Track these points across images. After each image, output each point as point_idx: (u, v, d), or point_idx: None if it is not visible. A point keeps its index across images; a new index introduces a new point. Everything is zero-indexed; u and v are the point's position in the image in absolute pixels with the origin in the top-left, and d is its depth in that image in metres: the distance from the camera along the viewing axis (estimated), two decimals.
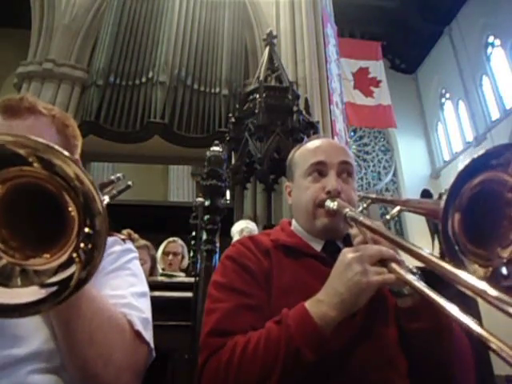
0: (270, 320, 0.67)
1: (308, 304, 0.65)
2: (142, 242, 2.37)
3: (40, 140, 0.44)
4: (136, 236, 2.35)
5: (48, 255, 0.48)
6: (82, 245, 0.47)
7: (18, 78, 5.31)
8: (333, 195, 0.81)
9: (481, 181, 0.53)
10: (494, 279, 0.54)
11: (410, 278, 0.55)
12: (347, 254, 0.65)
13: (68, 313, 0.56)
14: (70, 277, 0.47)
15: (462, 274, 0.42)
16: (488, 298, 0.38)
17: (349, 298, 0.61)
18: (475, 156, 0.51)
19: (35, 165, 0.45)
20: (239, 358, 0.62)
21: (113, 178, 0.79)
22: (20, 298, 0.45)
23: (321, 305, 0.63)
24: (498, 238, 0.56)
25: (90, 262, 0.47)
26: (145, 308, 0.71)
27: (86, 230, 0.47)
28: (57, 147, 0.44)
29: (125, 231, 2.27)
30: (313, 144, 0.92)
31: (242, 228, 2.78)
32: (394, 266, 0.60)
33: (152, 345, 0.69)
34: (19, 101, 0.72)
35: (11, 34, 7.86)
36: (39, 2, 5.67)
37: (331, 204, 0.79)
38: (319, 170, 0.86)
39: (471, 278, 0.41)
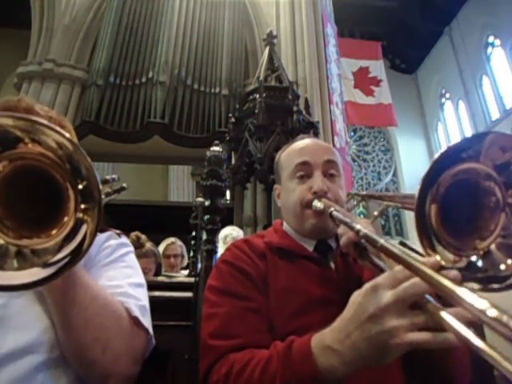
0: (275, 344, 0.62)
1: (315, 347, 0.54)
2: (149, 245, 2.36)
3: (31, 117, 0.46)
4: (144, 237, 2.34)
5: (53, 231, 0.50)
6: (82, 206, 0.49)
7: (18, 78, 5.31)
8: (319, 195, 0.81)
9: (456, 172, 0.52)
10: (469, 270, 0.53)
11: (457, 326, 0.39)
12: (371, 296, 0.49)
13: (64, 300, 0.57)
14: (83, 239, 0.48)
15: (460, 292, 0.37)
16: (485, 319, 0.33)
17: (370, 357, 0.49)
18: (446, 148, 0.51)
19: (26, 140, 0.47)
20: (234, 380, 0.61)
21: (108, 177, 0.80)
22: (21, 279, 0.47)
23: (331, 355, 0.52)
24: (479, 229, 0.55)
25: (93, 206, 0.48)
26: (142, 297, 0.72)
27: (80, 186, 0.48)
28: (38, 119, 0.46)
29: (133, 234, 2.26)
30: (297, 145, 0.92)
31: (225, 235, 2.79)
32: (436, 310, 0.43)
33: (151, 331, 0.69)
34: (17, 102, 0.75)
35: (11, 34, 7.86)
36: (39, 2, 5.67)
37: (318, 204, 0.80)
38: (304, 170, 0.86)
39: (472, 296, 0.36)
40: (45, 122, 0.46)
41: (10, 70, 6.71)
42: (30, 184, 0.52)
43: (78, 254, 0.48)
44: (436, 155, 0.51)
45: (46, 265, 0.48)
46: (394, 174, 11.66)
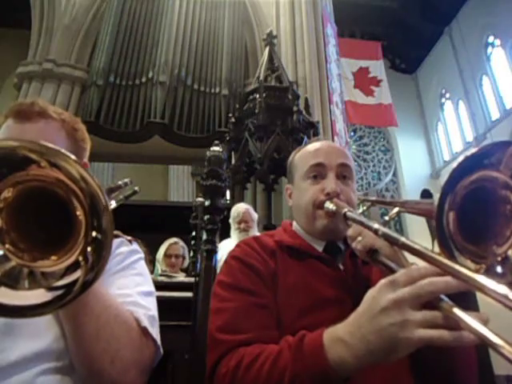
0: (286, 338, 0.62)
1: (327, 340, 0.55)
2: None
3: (48, 144, 0.45)
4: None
5: (56, 257, 0.49)
6: (88, 248, 0.47)
7: (17, 78, 5.31)
8: (332, 197, 0.82)
9: (474, 179, 0.53)
10: (489, 276, 0.54)
11: (475, 325, 0.40)
12: (386, 291, 0.49)
13: (76, 309, 0.57)
14: (75, 281, 0.47)
15: (480, 279, 0.40)
16: (508, 303, 0.36)
17: (379, 351, 0.48)
18: (468, 154, 0.51)
19: (44, 168, 0.46)
20: (243, 372, 0.61)
21: (120, 183, 0.80)
22: (27, 300, 0.46)
23: (341, 347, 0.52)
24: (494, 236, 0.56)
25: (97, 263, 0.47)
26: (151, 306, 0.71)
27: (94, 233, 0.47)
28: (63, 151, 0.45)
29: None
30: (312, 146, 0.92)
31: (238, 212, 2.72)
32: (450, 308, 0.44)
33: (159, 342, 0.69)
34: (30, 105, 0.75)
35: (11, 34, 7.86)
36: (39, 2, 5.67)
37: (330, 205, 0.80)
38: (318, 171, 0.86)
39: (491, 282, 0.38)
40: (58, 148, 0.45)
41: (10, 70, 6.71)
42: (41, 206, 0.51)
43: (70, 290, 0.47)
44: (455, 163, 0.51)
45: (50, 288, 0.47)
46: (394, 174, 11.64)
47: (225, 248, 2.59)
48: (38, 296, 0.46)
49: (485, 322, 0.40)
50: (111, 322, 0.60)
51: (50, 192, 0.48)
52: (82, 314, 0.57)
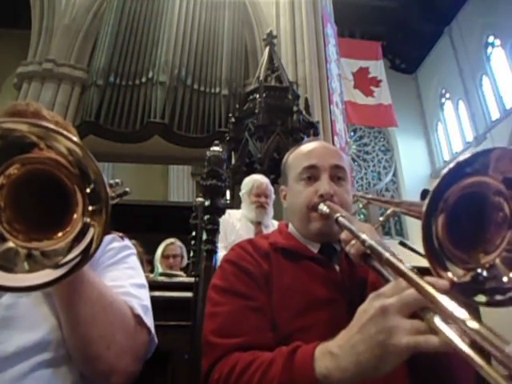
0: (280, 348, 0.62)
1: (318, 352, 0.55)
2: None
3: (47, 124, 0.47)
4: None
5: (61, 233, 0.51)
6: (90, 207, 0.50)
7: (17, 78, 5.31)
8: (325, 199, 0.81)
9: (467, 185, 0.53)
10: (475, 282, 0.54)
11: (455, 339, 0.38)
12: (374, 300, 0.49)
13: (73, 296, 0.58)
14: (91, 240, 0.50)
15: (441, 298, 0.40)
16: (465, 328, 0.37)
17: (367, 361, 0.47)
18: (460, 159, 0.51)
19: (43, 149, 0.48)
20: (235, 379, 0.62)
21: (111, 182, 0.81)
22: (35, 280, 0.47)
23: (329, 359, 0.52)
24: (484, 243, 0.56)
25: (101, 206, 0.49)
26: (144, 297, 0.73)
27: (88, 190, 0.50)
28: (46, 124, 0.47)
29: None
30: (306, 148, 0.92)
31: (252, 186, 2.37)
32: (436, 320, 0.41)
33: (153, 330, 0.70)
34: (26, 106, 0.78)
35: (11, 34, 7.86)
36: (39, 2, 5.67)
37: (324, 207, 0.80)
38: (312, 173, 0.86)
39: (452, 304, 0.39)
40: (56, 128, 0.47)
41: (10, 70, 6.71)
42: (39, 187, 0.53)
43: (88, 253, 0.49)
44: (445, 169, 0.51)
45: (57, 266, 0.49)
46: (394, 174, 11.65)
47: (233, 215, 2.41)
48: (45, 276, 0.48)
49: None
50: (107, 308, 0.61)
51: (46, 174, 0.50)
52: (79, 300, 0.59)
